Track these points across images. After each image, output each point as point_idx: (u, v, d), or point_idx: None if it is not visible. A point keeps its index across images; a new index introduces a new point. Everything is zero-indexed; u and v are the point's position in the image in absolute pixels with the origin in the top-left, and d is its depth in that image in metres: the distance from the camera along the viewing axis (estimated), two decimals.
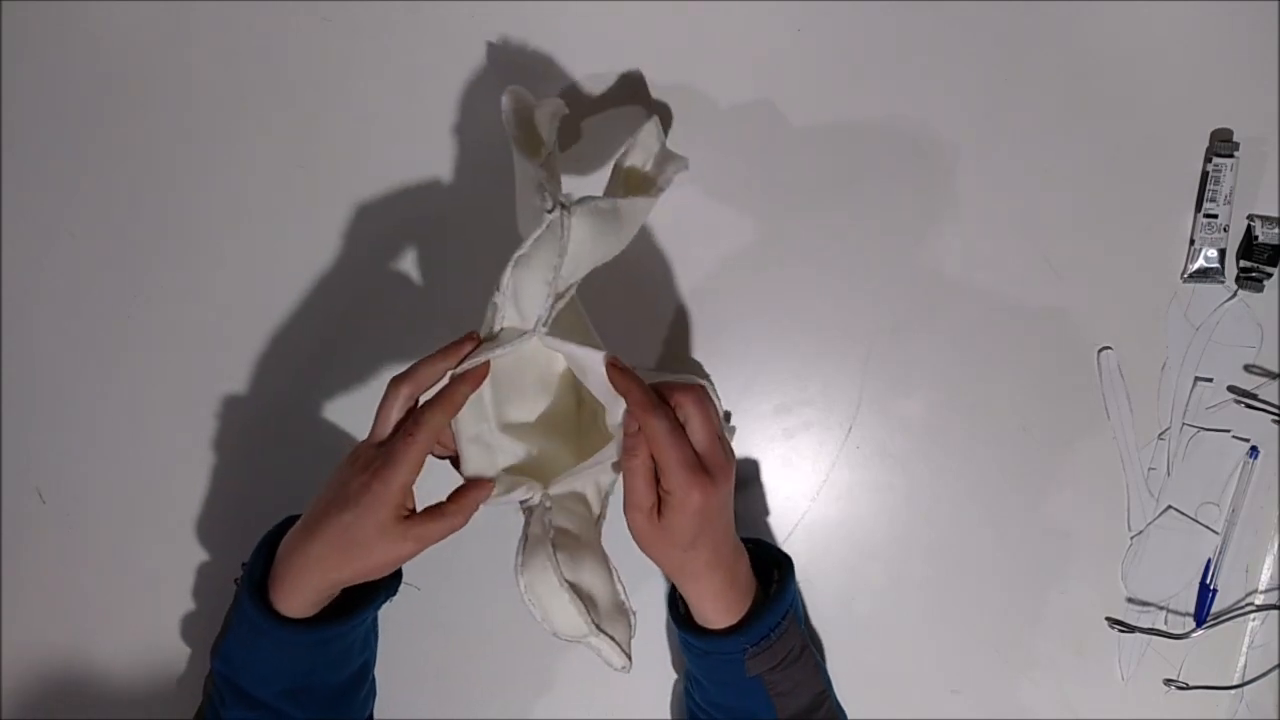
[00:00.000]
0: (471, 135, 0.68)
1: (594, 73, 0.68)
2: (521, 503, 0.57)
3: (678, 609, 0.61)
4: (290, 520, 0.58)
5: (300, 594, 0.55)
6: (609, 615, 0.56)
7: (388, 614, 0.66)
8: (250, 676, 0.57)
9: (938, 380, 0.68)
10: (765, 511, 0.69)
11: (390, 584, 0.62)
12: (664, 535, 0.54)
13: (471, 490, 0.56)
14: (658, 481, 0.54)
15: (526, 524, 0.57)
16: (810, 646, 0.61)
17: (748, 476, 0.68)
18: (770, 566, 0.62)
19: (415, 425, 0.53)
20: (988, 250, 0.67)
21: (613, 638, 0.55)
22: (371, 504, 0.52)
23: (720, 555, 0.56)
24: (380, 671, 0.66)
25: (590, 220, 0.53)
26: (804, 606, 0.68)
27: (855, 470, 0.68)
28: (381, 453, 0.53)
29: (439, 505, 0.55)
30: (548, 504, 0.57)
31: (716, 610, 0.57)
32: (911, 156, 0.67)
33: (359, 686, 0.63)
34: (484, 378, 0.56)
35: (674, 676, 0.69)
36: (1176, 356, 0.67)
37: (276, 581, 0.56)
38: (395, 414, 0.55)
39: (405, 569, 0.62)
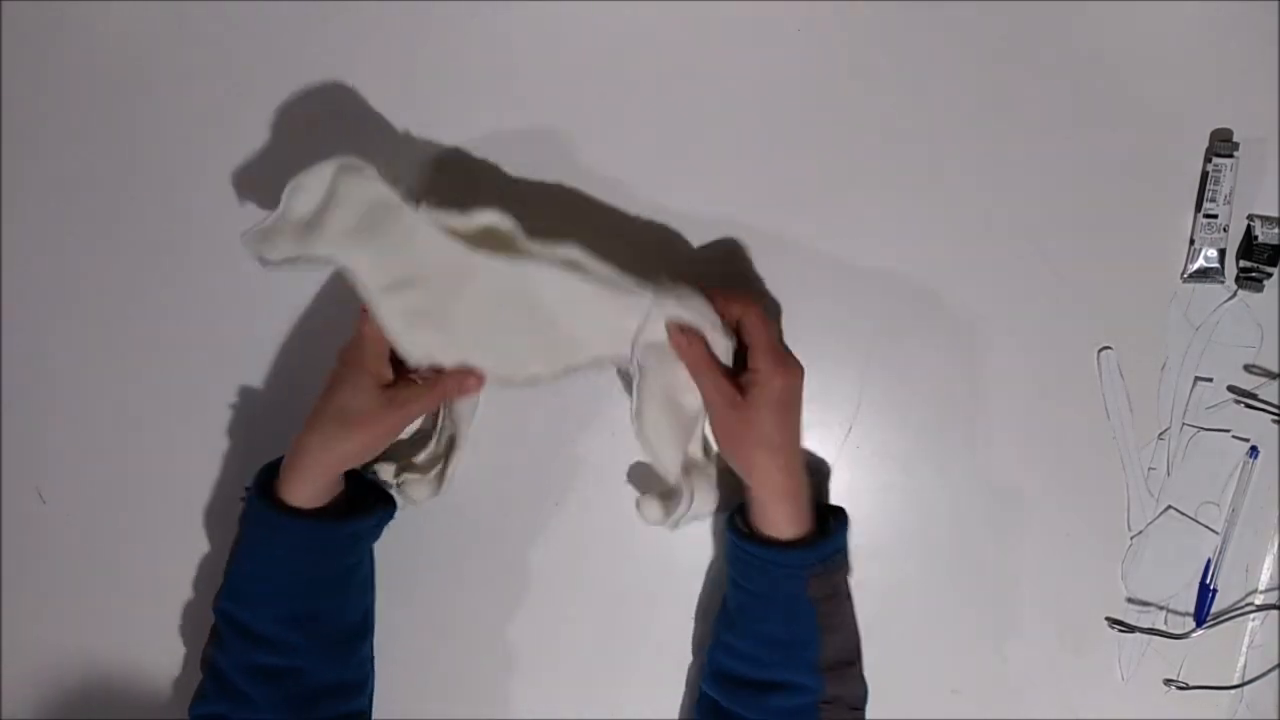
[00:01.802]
0: (472, 134, 0.68)
1: None
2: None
3: (738, 529, 0.62)
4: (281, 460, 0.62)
5: (311, 481, 0.59)
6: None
7: (388, 614, 0.66)
8: (256, 600, 0.60)
9: (938, 380, 0.68)
10: None
11: (387, 504, 0.65)
12: (746, 426, 0.59)
13: (454, 376, 0.61)
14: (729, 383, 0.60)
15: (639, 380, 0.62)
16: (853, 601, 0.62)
17: None
18: (827, 515, 0.63)
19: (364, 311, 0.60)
20: (987, 250, 0.67)
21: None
22: (353, 376, 0.59)
23: (793, 463, 0.60)
24: (380, 670, 0.66)
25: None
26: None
27: (855, 470, 0.68)
28: (348, 344, 0.61)
29: (420, 380, 0.61)
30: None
31: (788, 517, 0.59)
32: (911, 156, 0.67)
33: (360, 640, 0.64)
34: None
35: (679, 682, 0.69)
36: (1176, 356, 0.67)
37: (287, 481, 0.59)
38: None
39: (403, 531, 0.64)
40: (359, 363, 0.60)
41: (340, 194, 0.59)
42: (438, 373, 0.62)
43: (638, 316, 0.61)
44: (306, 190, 0.59)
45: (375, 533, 0.65)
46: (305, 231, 0.59)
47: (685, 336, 0.60)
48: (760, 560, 0.60)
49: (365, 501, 0.63)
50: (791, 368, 0.60)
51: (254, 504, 0.60)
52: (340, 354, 0.62)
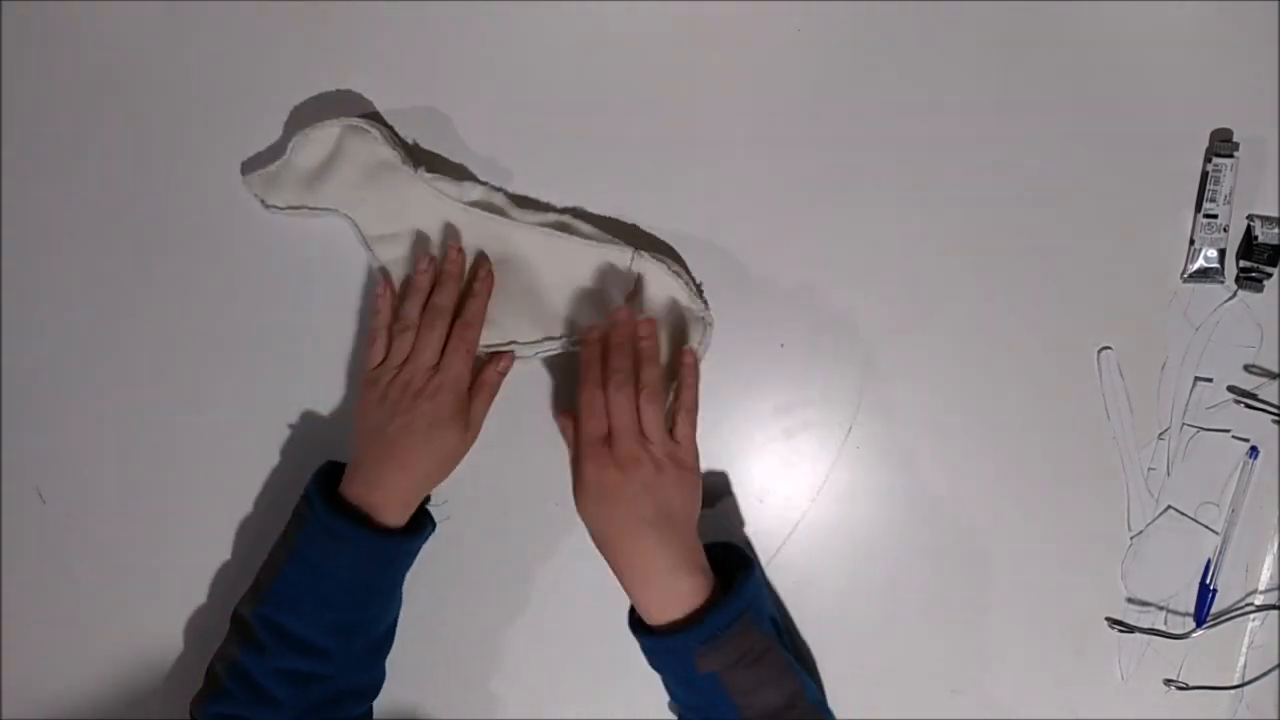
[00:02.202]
0: (472, 134, 0.68)
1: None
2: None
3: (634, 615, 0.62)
4: (332, 464, 0.64)
5: (402, 511, 0.61)
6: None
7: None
8: (310, 607, 0.60)
9: (938, 380, 0.68)
10: (765, 512, 0.68)
11: (429, 516, 0.67)
12: (580, 512, 0.61)
13: (489, 368, 0.65)
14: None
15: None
16: (779, 648, 0.60)
17: (719, 491, 0.68)
18: (736, 570, 0.62)
19: (464, 344, 0.63)
20: (988, 250, 0.67)
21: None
22: (453, 421, 0.62)
23: (636, 551, 0.59)
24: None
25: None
26: (778, 609, 0.67)
27: (855, 470, 0.68)
28: (447, 379, 0.62)
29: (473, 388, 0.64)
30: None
31: (649, 609, 0.59)
32: (911, 156, 0.67)
33: (387, 646, 0.65)
34: (491, 289, 0.66)
35: None
36: (1176, 356, 0.67)
37: (378, 508, 0.60)
38: (438, 340, 0.63)
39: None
40: (460, 409, 0.62)
41: (346, 151, 0.65)
42: (476, 371, 0.65)
43: (620, 281, 0.65)
44: (313, 144, 0.65)
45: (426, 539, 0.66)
46: (309, 182, 0.66)
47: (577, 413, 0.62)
48: (644, 647, 0.60)
49: (419, 511, 0.64)
50: (600, 457, 0.59)
51: (321, 516, 0.60)
52: (422, 388, 0.62)
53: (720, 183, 0.68)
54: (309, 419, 0.69)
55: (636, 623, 0.61)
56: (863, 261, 0.68)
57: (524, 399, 0.68)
